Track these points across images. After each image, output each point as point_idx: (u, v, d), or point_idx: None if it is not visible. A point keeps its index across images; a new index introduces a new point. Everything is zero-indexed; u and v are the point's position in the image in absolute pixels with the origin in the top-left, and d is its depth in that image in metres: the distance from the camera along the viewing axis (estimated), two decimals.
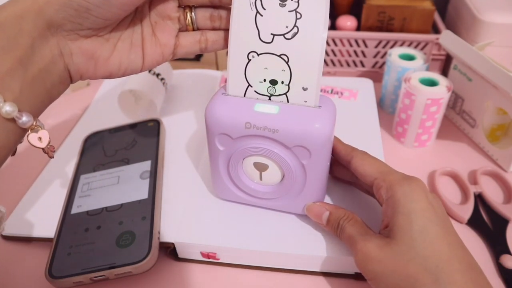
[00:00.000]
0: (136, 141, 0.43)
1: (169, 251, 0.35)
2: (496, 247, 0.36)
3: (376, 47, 0.56)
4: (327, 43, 0.57)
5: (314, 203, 0.34)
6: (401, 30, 0.56)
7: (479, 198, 0.41)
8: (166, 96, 0.52)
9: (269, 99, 0.31)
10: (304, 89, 0.30)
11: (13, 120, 0.24)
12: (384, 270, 0.27)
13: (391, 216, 0.28)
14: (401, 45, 0.55)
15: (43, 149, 0.27)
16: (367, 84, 0.52)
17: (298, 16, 0.29)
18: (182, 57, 0.32)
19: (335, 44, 0.57)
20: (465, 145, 0.48)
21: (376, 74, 0.58)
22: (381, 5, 0.55)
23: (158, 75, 0.49)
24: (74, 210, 0.37)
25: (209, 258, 0.35)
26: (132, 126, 0.46)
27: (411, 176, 0.30)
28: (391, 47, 0.56)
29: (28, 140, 0.25)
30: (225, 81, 0.49)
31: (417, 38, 0.54)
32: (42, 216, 0.38)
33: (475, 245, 0.37)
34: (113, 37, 0.29)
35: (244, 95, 0.31)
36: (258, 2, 0.29)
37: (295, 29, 0.29)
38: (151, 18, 0.30)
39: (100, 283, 0.33)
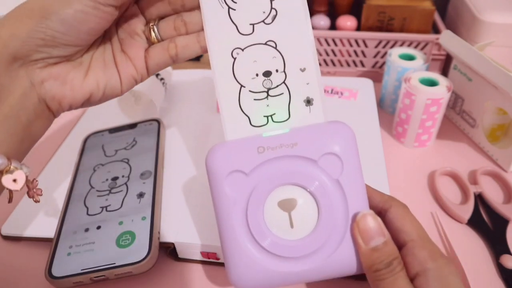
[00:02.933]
0: (136, 141, 0.43)
1: (169, 251, 0.35)
2: (496, 247, 0.36)
3: (376, 47, 0.56)
4: (327, 43, 0.57)
5: (371, 215, 0.25)
6: (401, 30, 0.56)
7: (479, 198, 0.41)
8: (166, 96, 0.52)
9: (267, 95, 0.28)
10: (302, 70, 0.28)
11: None
12: None
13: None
14: (401, 45, 0.55)
15: (27, 192, 0.26)
16: (367, 84, 0.52)
17: None
18: (157, 70, 0.30)
19: (335, 44, 0.57)
20: (465, 145, 0.48)
21: (376, 74, 0.58)
22: (381, 5, 0.55)
23: (157, 75, 0.49)
24: (74, 210, 0.37)
25: (209, 258, 0.35)
26: (132, 126, 0.46)
27: (448, 258, 0.26)
28: (391, 47, 0.56)
29: (1, 182, 0.24)
30: None
31: (417, 38, 0.54)
32: (42, 216, 0.38)
33: (475, 245, 0.37)
34: (85, 60, 0.28)
35: (239, 99, 0.28)
36: None
37: (273, 12, 0.27)
38: (119, 35, 0.30)
39: (100, 283, 0.33)
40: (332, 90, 0.51)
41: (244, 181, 0.26)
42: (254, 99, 0.28)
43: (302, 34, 0.27)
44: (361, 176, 0.27)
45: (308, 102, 0.28)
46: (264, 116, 0.28)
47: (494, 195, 0.41)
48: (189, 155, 0.43)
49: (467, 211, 0.39)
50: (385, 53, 0.56)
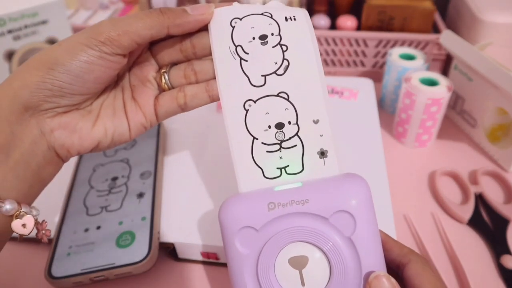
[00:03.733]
0: (136, 141, 0.43)
1: (169, 251, 0.35)
2: (497, 247, 0.36)
3: (376, 46, 0.56)
4: (327, 43, 0.57)
5: (384, 277, 0.24)
6: (402, 30, 0.56)
7: (480, 198, 0.41)
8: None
9: (280, 147, 0.27)
10: (315, 121, 0.27)
11: None
12: None
13: None
14: (402, 45, 0.55)
15: (36, 234, 0.26)
16: (368, 84, 0.52)
17: (284, 48, 0.27)
18: (166, 117, 0.30)
19: (335, 44, 0.57)
20: (465, 145, 0.48)
21: (376, 74, 0.58)
22: (382, 4, 0.55)
23: None
24: (74, 210, 0.37)
25: (209, 258, 0.35)
26: None
27: None
28: (392, 47, 0.55)
29: (11, 227, 0.25)
30: None
31: (417, 38, 0.54)
32: (41, 216, 0.38)
33: (475, 246, 0.37)
34: (95, 108, 0.28)
35: (252, 152, 0.27)
36: (239, 49, 0.27)
37: (285, 63, 0.27)
38: (131, 81, 0.30)
39: (100, 283, 0.33)
40: (332, 90, 0.51)
41: (255, 237, 0.25)
42: (267, 151, 0.27)
43: (315, 85, 0.27)
44: (377, 232, 0.25)
45: (322, 154, 0.27)
46: (278, 168, 0.27)
47: (495, 195, 0.41)
48: (189, 155, 0.43)
49: (467, 211, 0.39)
50: (386, 53, 0.56)
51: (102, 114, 0.28)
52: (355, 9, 0.60)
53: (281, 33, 0.27)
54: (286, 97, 0.27)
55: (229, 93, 0.28)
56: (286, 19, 0.28)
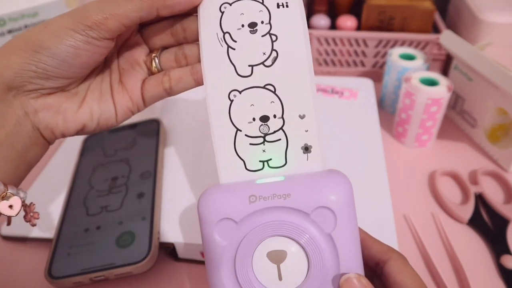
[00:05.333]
0: (136, 141, 0.43)
1: (169, 251, 0.35)
2: (497, 247, 0.36)
3: (376, 47, 0.56)
4: (327, 43, 0.57)
5: (356, 278, 0.24)
6: (402, 30, 0.56)
7: (480, 198, 0.41)
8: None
9: (264, 140, 0.27)
10: (301, 116, 0.26)
11: None
12: None
13: None
14: (402, 45, 0.55)
15: (24, 216, 0.26)
16: (367, 84, 0.52)
17: (274, 38, 0.26)
18: (153, 102, 0.29)
19: (335, 44, 0.57)
20: (465, 145, 0.48)
21: (376, 74, 0.58)
22: (382, 4, 0.55)
23: None
24: (74, 210, 0.37)
25: None
26: (132, 126, 0.46)
27: None
28: (392, 47, 0.55)
29: None
30: None
31: (417, 38, 0.54)
32: (42, 216, 0.38)
33: (475, 246, 0.37)
34: (81, 90, 0.28)
35: (234, 143, 0.27)
36: (227, 36, 0.26)
37: (273, 54, 0.26)
38: (120, 65, 0.29)
39: (100, 283, 0.33)
40: (332, 90, 0.51)
41: (234, 229, 0.25)
42: (250, 144, 0.27)
43: (303, 79, 0.26)
44: (356, 230, 0.25)
45: (306, 149, 0.27)
46: (260, 161, 0.27)
47: (495, 195, 0.41)
48: (189, 155, 0.43)
49: (467, 211, 0.39)
50: (386, 53, 0.56)
51: (88, 97, 0.28)
52: (355, 9, 0.60)
53: (271, 21, 0.26)
54: (273, 89, 0.27)
55: (214, 82, 0.27)
56: (278, 6, 0.27)
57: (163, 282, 0.34)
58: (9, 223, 0.26)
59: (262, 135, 0.27)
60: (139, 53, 0.29)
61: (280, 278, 0.25)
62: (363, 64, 0.58)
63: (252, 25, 0.27)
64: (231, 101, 0.27)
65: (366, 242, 0.27)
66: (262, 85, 0.26)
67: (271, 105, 0.26)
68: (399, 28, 0.56)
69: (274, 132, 0.27)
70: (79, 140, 0.45)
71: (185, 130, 0.46)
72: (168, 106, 0.51)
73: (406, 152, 0.47)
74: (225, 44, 0.27)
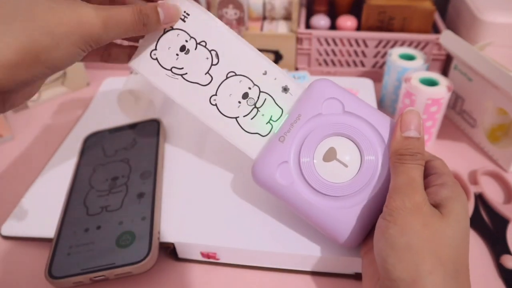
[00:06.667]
0: (136, 141, 0.43)
1: (169, 251, 0.35)
2: (497, 247, 0.36)
3: (376, 47, 0.56)
4: (327, 43, 0.57)
5: (417, 113, 0.29)
6: (402, 30, 0.56)
7: (480, 198, 0.41)
8: (166, 96, 0.52)
9: (256, 108, 0.33)
10: (264, 73, 0.32)
11: None
12: (418, 242, 0.24)
13: (440, 195, 0.27)
14: (401, 45, 0.55)
15: None
16: (367, 84, 0.52)
17: (204, 44, 0.32)
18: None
19: (335, 44, 0.57)
20: (465, 145, 0.48)
21: (376, 74, 0.58)
22: (381, 5, 0.55)
23: None
24: (74, 210, 0.37)
25: (209, 258, 0.35)
26: (132, 126, 0.46)
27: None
28: (391, 47, 0.56)
29: None
30: None
31: (417, 38, 0.54)
32: (42, 216, 0.38)
33: (475, 246, 0.37)
34: None
35: (242, 128, 0.33)
36: (174, 69, 0.32)
37: (213, 53, 0.32)
38: None
39: (100, 283, 0.33)
40: None
41: (289, 168, 0.31)
42: (251, 119, 0.33)
43: (243, 49, 0.32)
44: (364, 102, 0.31)
45: (285, 89, 0.33)
46: (267, 123, 0.33)
47: (495, 195, 0.41)
48: (189, 155, 0.43)
49: None
50: (385, 53, 0.56)
51: None
52: (355, 9, 0.60)
53: (191, 35, 0.32)
54: (234, 74, 0.32)
55: (193, 103, 0.32)
56: (184, 20, 0.32)
57: (163, 282, 0.34)
58: None
59: (252, 106, 0.33)
60: None
61: (345, 166, 0.31)
62: (363, 64, 0.58)
63: (182, 48, 0.32)
64: (215, 104, 0.33)
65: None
66: (225, 77, 0.32)
67: (241, 84, 0.32)
68: (399, 28, 0.56)
69: (258, 98, 0.33)
70: (79, 140, 0.45)
71: (185, 130, 0.46)
72: (168, 106, 0.51)
73: None
74: (178, 75, 0.32)
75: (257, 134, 0.32)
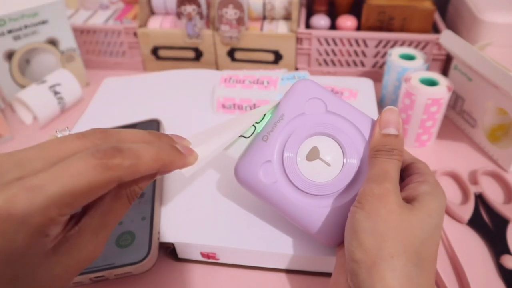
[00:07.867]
0: None
1: (169, 251, 0.35)
2: (497, 247, 0.36)
3: (376, 47, 0.56)
4: (327, 43, 0.57)
5: (395, 111, 0.30)
6: (401, 30, 0.56)
7: (480, 198, 0.41)
8: (166, 95, 0.52)
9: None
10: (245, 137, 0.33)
11: None
12: (383, 227, 0.25)
13: (418, 190, 0.27)
14: (401, 45, 0.55)
15: None
16: (367, 84, 0.52)
17: None
18: None
19: (335, 44, 0.57)
20: (465, 145, 0.48)
21: (376, 74, 0.58)
22: (381, 5, 0.55)
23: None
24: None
25: (209, 258, 0.35)
26: (132, 126, 0.46)
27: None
28: (391, 47, 0.55)
29: None
30: (225, 81, 0.49)
31: (417, 38, 0.54)
32: None
33: (475, 246, 0.37)
34: None
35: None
36: None
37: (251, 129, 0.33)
38: None
39: (100, 283, 0.33)
40: (332, 90, 0.51)
41: (272, 167, 0.31)
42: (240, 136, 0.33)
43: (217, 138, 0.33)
44: (345, 102, 0.32)
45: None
46: (252, 126, 0.33)
47: (495, 195, 0.41)
48: None
49: (467, 211, 0.39)
50: (385, 53, 0.56)
51: None
52: (355, 9, 0.60)
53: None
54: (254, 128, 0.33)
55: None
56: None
57: (163, 282, 0.34)
58: None
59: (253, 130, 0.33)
60: None
61: (328, 165, 0.31)
62: (363, 64, 0.58)
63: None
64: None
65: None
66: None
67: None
68: (399, 28, 0.56)
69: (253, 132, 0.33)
70: None
71: (185, 130, 0.46)
72: (168, 106, 0.51)
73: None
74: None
75: (240, 137, 0.32)
